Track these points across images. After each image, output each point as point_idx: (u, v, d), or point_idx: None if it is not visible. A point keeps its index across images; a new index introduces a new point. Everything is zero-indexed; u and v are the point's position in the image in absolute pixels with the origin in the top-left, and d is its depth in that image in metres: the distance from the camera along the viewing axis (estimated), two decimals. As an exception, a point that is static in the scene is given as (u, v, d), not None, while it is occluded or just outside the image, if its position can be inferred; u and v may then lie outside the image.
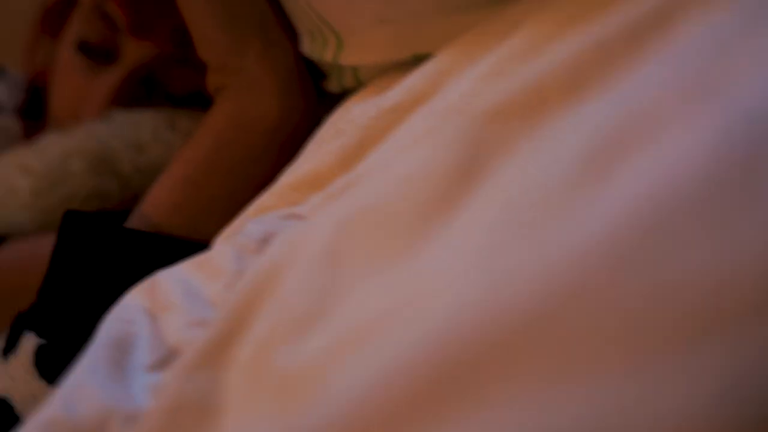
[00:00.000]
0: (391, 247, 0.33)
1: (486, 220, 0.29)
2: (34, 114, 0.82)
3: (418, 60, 0.52)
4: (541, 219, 0.26)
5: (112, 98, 0.69)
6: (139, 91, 0.70)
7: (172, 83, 0.70)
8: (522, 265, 0.25)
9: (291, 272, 0.35)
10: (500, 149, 0.31)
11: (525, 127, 0.31)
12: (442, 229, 0.31)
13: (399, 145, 0.43)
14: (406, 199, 0.34)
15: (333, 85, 0.60)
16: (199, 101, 0.70)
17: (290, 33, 0.59)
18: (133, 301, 0.45)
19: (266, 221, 0.46)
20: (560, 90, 0.32)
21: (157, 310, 0.44)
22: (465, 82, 0.41)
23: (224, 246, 0.46)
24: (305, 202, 0.47)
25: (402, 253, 0.32)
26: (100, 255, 0.54)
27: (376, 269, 0.33)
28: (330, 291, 0.33)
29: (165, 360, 0.40)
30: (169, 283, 0.45)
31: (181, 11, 0.58)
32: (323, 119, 0.59)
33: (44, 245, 0.61)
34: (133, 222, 0.56)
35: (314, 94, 0.59)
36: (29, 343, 0.52)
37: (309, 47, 0.58)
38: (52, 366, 0.50)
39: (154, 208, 0.56)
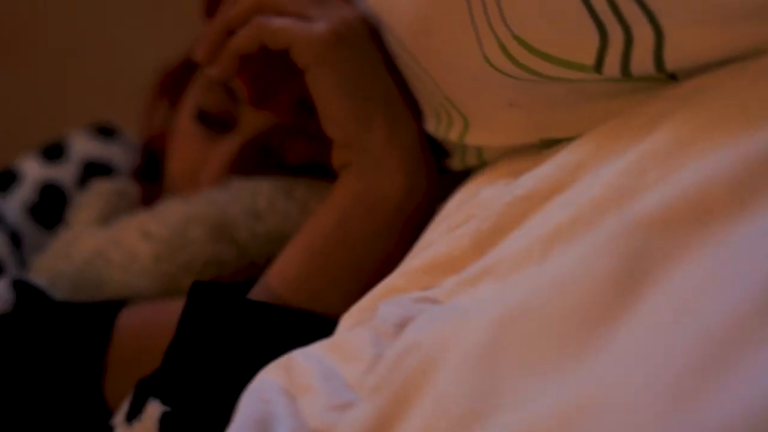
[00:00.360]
0: (552, 351, 0.33)
1: (661, 344, 0.29)
2: (149, 176, 0.84)
3: (545, 144, 0.53)
4: (724, 363, 0.26)
5: (229, 166, 0.71)
6: (255, 160, 0.72)
7: (287, 152, 0.71)
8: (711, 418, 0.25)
9: (445, 369, 0.36)
10: (667, 262, 0.32)
11: (692, 240, 0.32)
12: (608, 339, 0.32)
13: (537, 235, 0.44)
14: (565, 302, 0.34)
15: (455, 163, 0.61)
16: (314, 170, 0.71)
17: (414, 110, 0.61)
18: (270, 380, 0.46)
19: (400, 304, 0.47)
20: (726, 201, 0.33)
21: (295, 391, 0.45)
22: (607, 178, 0.42)
23: (360, 329, 0.47)
24: (438, 285, 0.48)
25: (564, 358, 0.33)
26: (226, 326, 0.55)
27: (538, 372, 0.33)
28: (489, 392, 0.34)
29: (310, 444, 0.41)
30: (306, 363, 0.46)
31: (309, 88, 0.59)
32: (444, 195, 0.60)
33: (165, 311, 0.63)
34: (258, 293, 0.58)
35: (436, 172, 0.60)
36: (154, 409, 0.54)
37: (434, 126, 0.59)
38: None
39: (279, 280, 0.58)
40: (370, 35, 0.61)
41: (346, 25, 0.59)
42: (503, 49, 0.49)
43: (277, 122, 0.71)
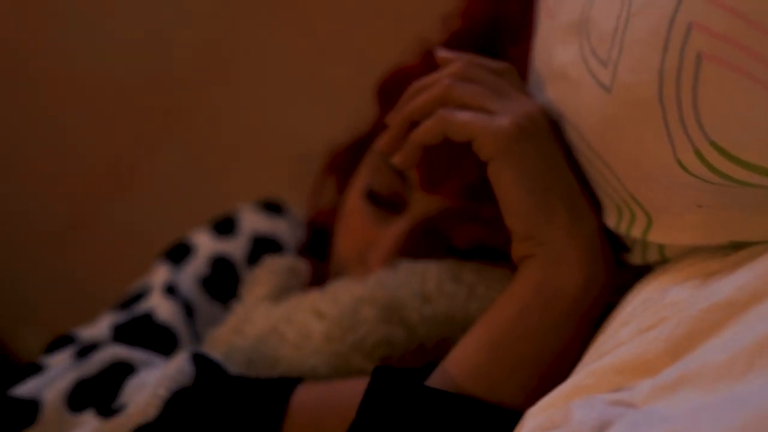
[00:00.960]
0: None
1: None
2: (313, 253, 0.87)
3: (735, 245, 0.53)
4: None
5: (398, 248, 0.73)
6: (423, 242, 0.74)
7: (455, 236, 0.73)
8: None
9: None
10: None
11: None
12: None
13: (741, 347, 0.44)
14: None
15: (635, 258, 0.61)
16: (481, 254, 0.73)
17: (594, 204, 0.61)
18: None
19: (594, 406, 0.48)
20: None
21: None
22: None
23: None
24: (630, 387, 0.48)
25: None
26: (408, 412, 0.56)
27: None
28: None
29: None
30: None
31: (491, 180, 0.60)
32: (622, 288, 0.60)
33: (340, 392, 0.65)
34: (437, 381, 0.59)
35: (614, 266, 0.61)
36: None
37: (615, 221, 0.60)
38: None
39: (458, 369, 0.59)
40: (551, 129, 0.62)
41: (528, 119, 0.61)
42: (699, 155, 0.49)
43: (446, 206, 0.72)
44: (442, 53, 0.67)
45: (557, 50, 0.63)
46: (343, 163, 0.86)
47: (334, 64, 1.18)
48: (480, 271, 0.71)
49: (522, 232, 0.60)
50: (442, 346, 0.68)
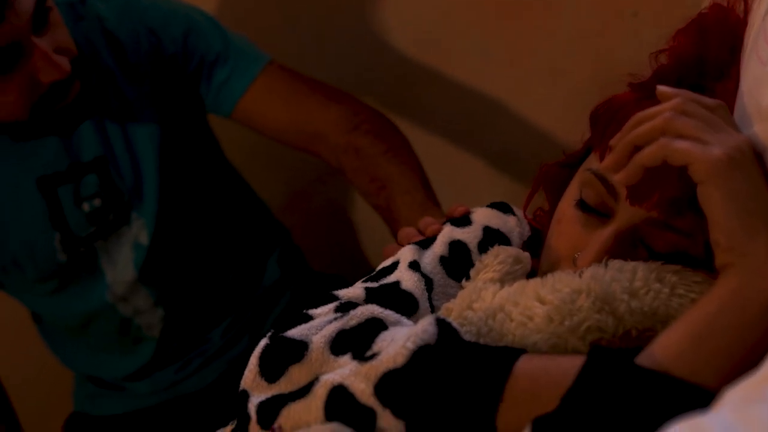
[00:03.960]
0: None
1: None
2: (531, 248, 1.01)
3: None
4: None
5: (604, 251, 0.87)
6: (627, 247, 0.88)
7: (655, 242, 0.86)
8: None
9: None
10: None
11: None
12: None
13: None
14: None
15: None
16: (677, 259, 0.85)
17: None
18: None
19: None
20: None
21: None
22: None
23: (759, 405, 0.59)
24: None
25: None
26: (619, 384, 0.69)
27: None
28: None
29: None
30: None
31: (700, 200, 0.73)
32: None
33: (558, 364, 0.77)
34: (645, 361, 0.72)
35: None
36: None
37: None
38: None
39: (664, 353, 0.71)
40: (757, 161, 0.74)
41: (737, 150, 0.73)
42: None
43: (649, 216, 0.86)
44: (663, 89, 0.80)
45: (766, 93, 0.75)
46: (555, 176, 1.00)
47: (542, 86, 1.25)
48: (680, 274, 0.83)
49: (725, 245, 0.72)
50: (644, 335, 0.81)
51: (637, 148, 0.78)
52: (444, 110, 1.44)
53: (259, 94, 1.45)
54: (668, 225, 0.86)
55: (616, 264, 0.85)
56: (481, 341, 0.84)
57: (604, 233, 0.88)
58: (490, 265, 0.92)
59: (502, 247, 0.94)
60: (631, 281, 0.83)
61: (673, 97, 0.78)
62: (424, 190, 1.30)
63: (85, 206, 1.38)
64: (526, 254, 0.94)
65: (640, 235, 0.88)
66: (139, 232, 1.43)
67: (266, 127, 1.48)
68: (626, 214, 0.88)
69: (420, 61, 1.43)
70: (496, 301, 0.86)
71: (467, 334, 0.84)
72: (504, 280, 0.90)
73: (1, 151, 1.34)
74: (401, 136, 1.40)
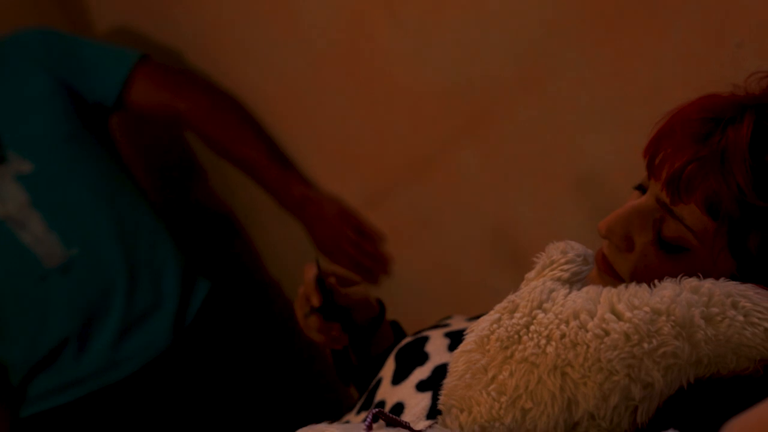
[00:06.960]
0: None
1: None
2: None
3: None
4: None
5: (618, 215, 0.91)
6: (645, 221, 0.90)
7: (664, 226, 0.89)
8: None
9: None
10: None
11: None
12: None
13: None
14: None
15: None
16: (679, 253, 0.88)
17: None
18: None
19: None
20: None
21: None
22: None
23: None
24: None
25: None
26: None
27: None
28: None
29: None
30: None
31: None
32: None
33: None
34: None
35: None
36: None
37: None
38: None
39: None
40: None
41: None
42: None
43: (660, 196, 0.89)
44: None
45: None
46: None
47: (637, 108, 1.23)
48: (753, 300, 0.83)
49: None
50: (713, 361, 0.82)
51: None
52: (535, 124, 1.44)
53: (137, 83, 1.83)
54: (671, 210, 0.88)
55: (691, 283, 0.84)
56: (552, 344, 0.84)
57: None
58: (557, 261, 0.91)
59: (569, 242, 0.93)
60: (707, 305, 0.82)
61: None
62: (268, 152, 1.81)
63: None
64: (592, 253, 0.94)
65: (658, 216, 0.89)
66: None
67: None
68: (651, 190, 0.91)
69: (518, 73, 1.43)
70: (569, 305, 0.86)
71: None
72: (572, 281, 0.90)
73: None
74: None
